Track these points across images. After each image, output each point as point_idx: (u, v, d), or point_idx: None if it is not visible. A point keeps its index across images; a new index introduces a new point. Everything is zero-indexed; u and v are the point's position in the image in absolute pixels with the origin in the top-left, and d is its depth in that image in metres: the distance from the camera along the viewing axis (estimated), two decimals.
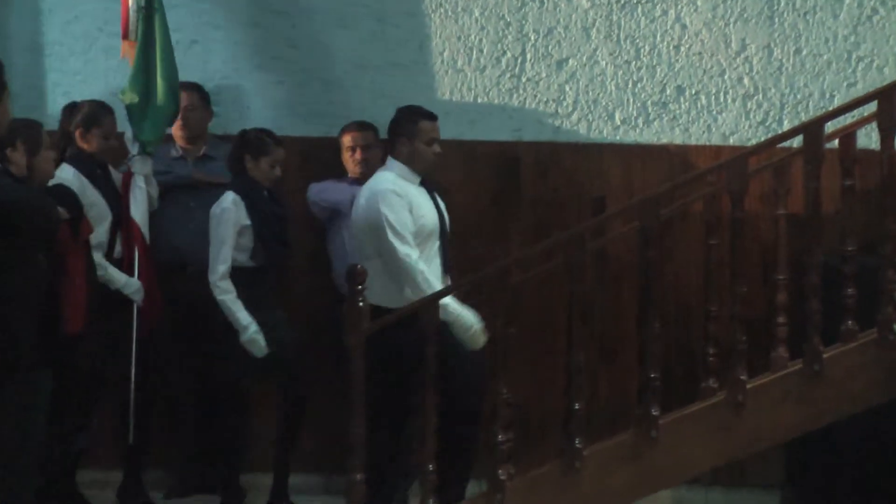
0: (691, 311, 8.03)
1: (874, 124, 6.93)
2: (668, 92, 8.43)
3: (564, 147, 8.18)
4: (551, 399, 7.46)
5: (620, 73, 8.41)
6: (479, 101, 8.37)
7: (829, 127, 7.00)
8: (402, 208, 7.20)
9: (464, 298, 7.17)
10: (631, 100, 8.39)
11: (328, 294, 7.93)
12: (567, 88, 8.37)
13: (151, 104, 7.75)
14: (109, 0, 8.14)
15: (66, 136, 7.65)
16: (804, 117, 8.23)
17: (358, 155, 7.98)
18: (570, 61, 8.33)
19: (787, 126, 8.27)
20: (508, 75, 8.38)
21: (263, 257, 7.60)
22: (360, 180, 7.86)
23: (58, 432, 7.30)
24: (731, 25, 8.42)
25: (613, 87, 8.38)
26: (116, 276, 7.51)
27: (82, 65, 8.16)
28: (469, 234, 8.01)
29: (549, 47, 8.36)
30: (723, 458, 6.92)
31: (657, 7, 8.42)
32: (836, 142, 6.97)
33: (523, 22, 8.39)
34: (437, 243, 7.38)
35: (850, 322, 6.80)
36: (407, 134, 7.38)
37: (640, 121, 8.38)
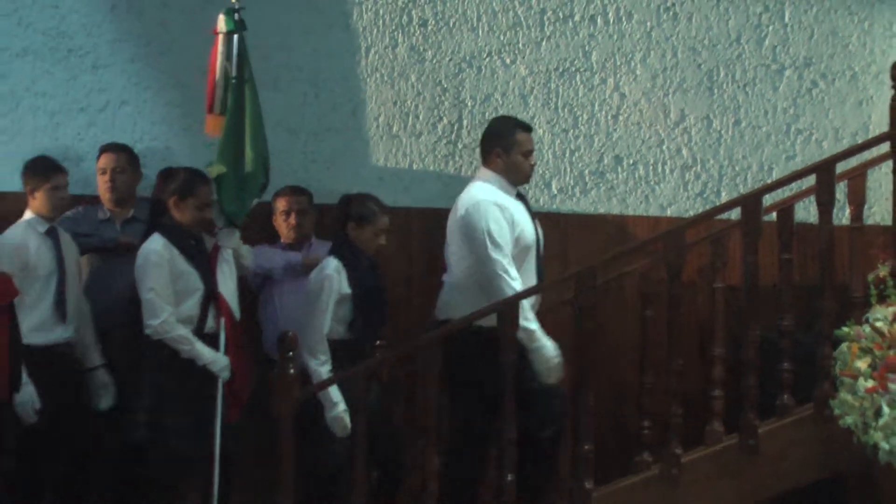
0: (626, 383, 8.03)
1: (813, 198, 7.02)
2: (605, 161, 8.50)
3: None
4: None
5: (558, 141, 8.46)
6: (415, 167, 8.39)
7: (768, 200, 7.14)
8: (503, 220, 7.12)
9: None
10: (568, 168, 8.44)
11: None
12: None
13: (239, 175, 7.64)
14: (36, 59, 8.12)
15: (159, 203, 7.58)
16: (742, 189, 8.32)
17: (292, 219, 7.97)
18: None
19: (725, 198, 8.36)
20: (444, 141, 8.42)
21: (361, 330, 7.42)
22: (294, 245, 7.89)
23: None
24: (671, 96, 8.51)
25: (551, 156, 8.43)
26: (203, 352, 7.31)
27: (9, 124, 8.12)
28: (402, 301, 8.00)
29: (487, 114, 8.39)
30: None
31: (596, 76, 8.50)
32: (775, 215, 7.06)
33: (460, 88, 8.44)
34: (535, 255, 7.30)
35: (786, 397, 6.86)
36: (503, 146, 7.32)
37: (577, 190, 8.43)
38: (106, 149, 7.97)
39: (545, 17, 8.45)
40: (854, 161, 7.27)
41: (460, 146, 8.39)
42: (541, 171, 8.26)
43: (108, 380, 7.68)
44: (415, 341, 6.98)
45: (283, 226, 8.02)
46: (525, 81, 8.45)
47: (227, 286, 7.54)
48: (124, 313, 7.56)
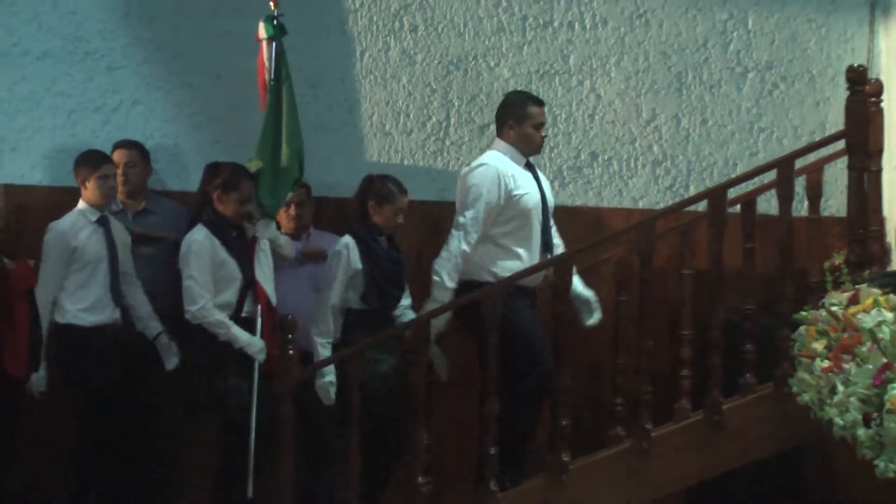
0: (601, 363, 8.11)
1: (773, 191, 7.09)
2: (582, 157, 8.55)
3: None
4: (467, 444, 7.48)
5: None
6: (406, 162, 8.44)
7: (732, 193, 7.17)
8: (494, 185, 7.21)
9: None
10: (547, 164, 8.48)
11: None
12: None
13: (276, 169, 7.72)
14: (55, 62, 8.15)
15: (204, 196, 7.60)
16: (709, 183, 8.35)
17: (292, 211, 8.00)
18: (492, 126, 8.33)
19: (692, 191, 8.39)
20: (433, 139, 8.47)
21: (376, 301, 7.43)
22: (293, 235, 7.96)
23: None
24: (643, 96, 8.55)
25: None
26: (240, 335, 7.36)
27: (31, 121, 8.13)
28: None
29: (472, 113, 8.48)
30: (629, 502, 6.99)
31: (573, 78, 8.55)
32: (739, 207, 7.11)
33: (448, 89, 8.50)
34: (539, 220, 7.38)
35: (748, 375, 6.92)
36: (516, 118, 7.40)
37: (556, 184, 8.46)
38: (119, 145, 8.02)
39: (526, 24, 8.49)
40: (812, 157, 7.33)
41: (448, 143, 8.45)
42: None
43: (170, 342, 7.73)
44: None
45: (284, 217, 8.04)
46: (508, 83, 8.49)
47: (265, 274, 7.62)
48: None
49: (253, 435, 7.42)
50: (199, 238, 7.42)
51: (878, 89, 7.09)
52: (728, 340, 6.95)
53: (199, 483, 7.84)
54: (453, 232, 7.21)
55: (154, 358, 7.72)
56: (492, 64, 8.53)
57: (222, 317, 7.36)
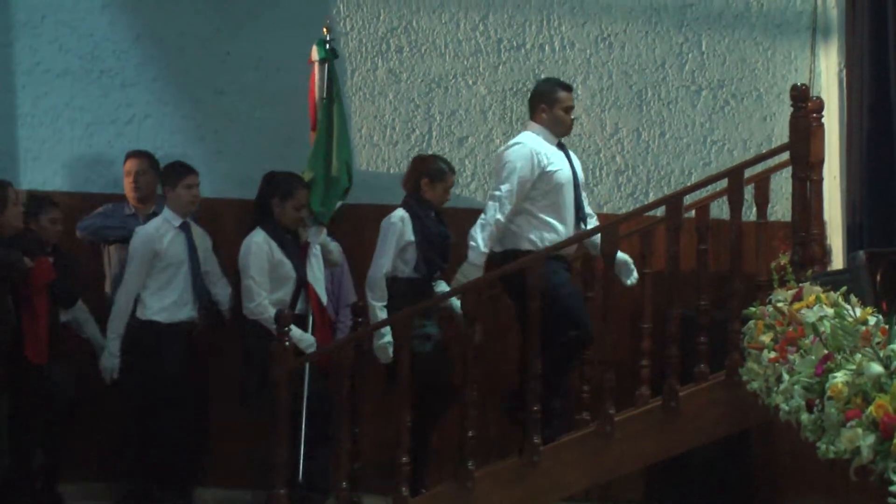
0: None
1: (725, 198, 7.05)
2: None
3: (464, 212, 8.16)
4: (447, 426, 7.43)
5: None
6: (392, 171, 8.38)
7: (688, 199, 7.16)
8: (528, 161, 7.12)
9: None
10: None
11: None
12: (467, 162, 8.42)
13: (326, 180, 7.70)
14: (74, 80, 8.14)
15: (262, 202, 7.58)
16: (667, 191, 8.28)
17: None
18: (470, 139, 8.39)
19: (652, 198, 8.32)
20: (417, 150, 8.38)
21: (425, 270, 7.36)
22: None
23: (16, 448, 7.25)
24: (606, 112, 8.50)
25: None
26: (292, 330, 7.18)
27: (51, 133, 8.10)
28: None
29: (452, 127, 8.42)
30: (594, 480, 7.01)
31: None
32: (693, 212, 7.08)
33: (430, 105, 8.45)
34: (572, 194, 7.28)
35: (702, 365, 6.89)
36: (547, 102, 7.33)
37: None
38: (131, 155, 7.99)
39: (501, 46, 8.44)
40: (759, 167, 7.33)
41: (430, 153, 8.36)
42: None
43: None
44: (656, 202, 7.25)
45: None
46: (485, 100, 8.46)
47: (315, 276, 7.61)
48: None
49: (304, 424, 7.39)
50: (259, 241, 7.43)
51: (820, 106, 7.09)
52: (684, 333, 6.92)
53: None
54: (489, 203, 7.11)
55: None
56: (470, 82, 8.48)
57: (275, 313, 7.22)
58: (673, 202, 6.99)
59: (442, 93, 8.44)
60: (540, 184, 7.14)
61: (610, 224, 7.03)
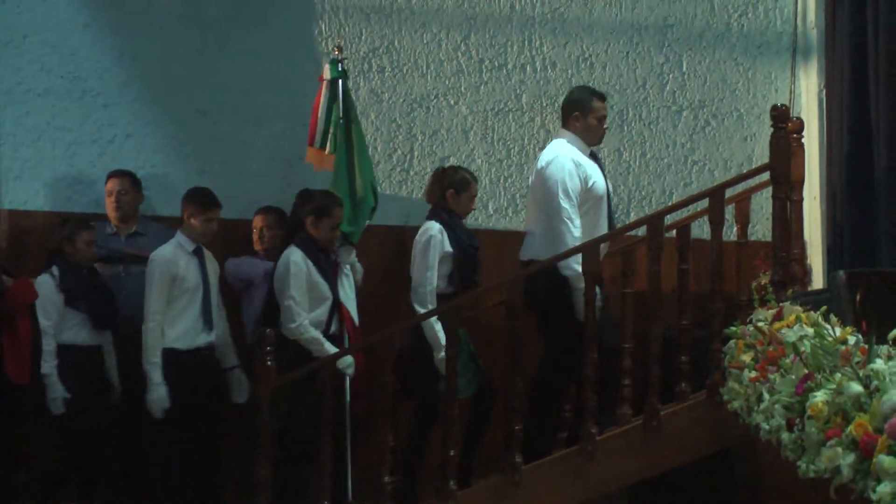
0: None
1: (706, 218, 7.08)
2: None
3: None
4: (430, 445, 7.43)
5: (493, 169, 8.48)
6: None
7: (669, 219, 7.18)
8: (576, 174, 7.12)
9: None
10: (502, 192, 8.47)
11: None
12: None
13: (353, 201, 7.67)
14: (56, 99, 8.09)
15: (296, 220, 7.52)
16: (647, 210, 8.33)
17: (265, 235, 7.95)
18: (451, 159, 8.37)
19: (633, 217, 8.36)
20: (399, 169, 8.41)
21: (458, 283, 7.32)
22: (267, 256, 7.82)
23: None
24: None
25: (487, 182, 8.44)
26: (332, 351, 7.23)
27: (33, 153, 8.08)
28: (360, 305, 7.85)
29: (434, 147, 8.43)
30: (575, 500, 6.97)
31: (525, 115, 8.53)
32: (674, 232, 7.10)
33: (412, 125, 8.45)
34: (606, 207, 7.29)
35: (683, 384, 6.90)
36: (581, 110, 7.31)
37: (510, 210, 8.45)
38: (113, 174, 7.94)
39: (483, 66, 8.46)
40: (740, 187, 7.35)
41: (412, 173, 8.39)
42: (479, 195, 8.14)
43: (244, 377, 7.65)
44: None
45: (257, 240, 7.98)
46: (466, 119, 8.48)
47: (348, 296, 7.53)
48: (129, 314, 7.56)
49: (349, 442, 7.36)
50: (297, 259, 7.31)
51: (800, 126, 7.11)
52: (665, 353, 6.93)
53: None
54: (562, 228, 7.08)
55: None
56: (451, 102, 8.50)
57: (317, 334, 7.27)
58: (654, 222, 7.00)
59: (423, 112, 8.45)
60: (582, 197, 7.16)
61: (592, 243, 7.04)
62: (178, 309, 7.49)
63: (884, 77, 7.69)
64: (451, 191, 7.45)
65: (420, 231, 7.44)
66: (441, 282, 7.31)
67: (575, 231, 7.06)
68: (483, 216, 8.30)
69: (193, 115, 8.25)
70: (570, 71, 8.56)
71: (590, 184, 7.17)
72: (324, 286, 7.37)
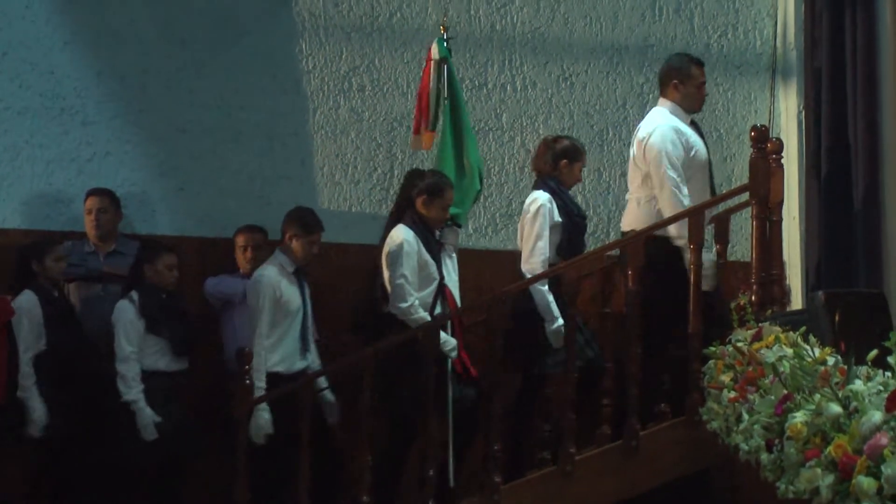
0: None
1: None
2: (513, 206, 8.47)
3: None
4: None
5: None
6: (354, 209, 8.38)
7: None
8: (679, 143, 7.13)
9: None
10: (482, 212, 8.46)
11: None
12: None
13: (460, 182, 7.59)
14: (34, 117, 8.07)
15: (406, 199, 7.44)
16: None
17: (248, 253, 7.90)
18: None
19: (612, 237, 8.36)
20: (378, 188, 8.41)
21: (568, 253, 7.25)
22: (249, 275, 7.75)
23: None
24: None
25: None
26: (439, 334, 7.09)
27: (11, 171, 8.05)
28: (339, 323, 7.90)
29: (414, 165, 8.31)
30: None
31: (505, 134, 8.54)
32: None
33: (392, 144, 8.45)
34: (708, 172, 7.30)
35: (663, 405, 6.90)
36: (680, 77, 7.32)
37: (490, 230, 8.45)
38: (92, 192, 7.92)
39: (464, 85, 8.40)
40: (720, 207, 7.38)
41: (392, 192, 8.30)
42: None
43: (333, 399, 7.53)
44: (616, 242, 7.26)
45: (241, 258, 7.92)
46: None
47: (451, 278, 7.43)
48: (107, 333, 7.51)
49: (451, 426, 7.24)
50: (410, 238, 7.20)
51: (779, 147, 7.11)
52: (644, 373, 6.90)
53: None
54: (671, 199, 7.08)
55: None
56: None
57: (425, 314, 7.12)
58: (633, 242, 7.01)
59: (404, 132, 8.41)
60: (686, 165, 7.16)
61: (570, 263, 7.05)
62: (280, 332, 7.40)
63: (862, 98, 7.73)
64: (564, 161, 7.44)
65: (528, 200, 7.40)
66: (551, 252, 7.25)
67: (684, 199, 7.07)
68: (462, 236, 8.24)
69: (173, 133, 8.25)
70: (550, 90, 8.58)
71: (692, 152, 7.20)
72: (433, 266, 7.25)
